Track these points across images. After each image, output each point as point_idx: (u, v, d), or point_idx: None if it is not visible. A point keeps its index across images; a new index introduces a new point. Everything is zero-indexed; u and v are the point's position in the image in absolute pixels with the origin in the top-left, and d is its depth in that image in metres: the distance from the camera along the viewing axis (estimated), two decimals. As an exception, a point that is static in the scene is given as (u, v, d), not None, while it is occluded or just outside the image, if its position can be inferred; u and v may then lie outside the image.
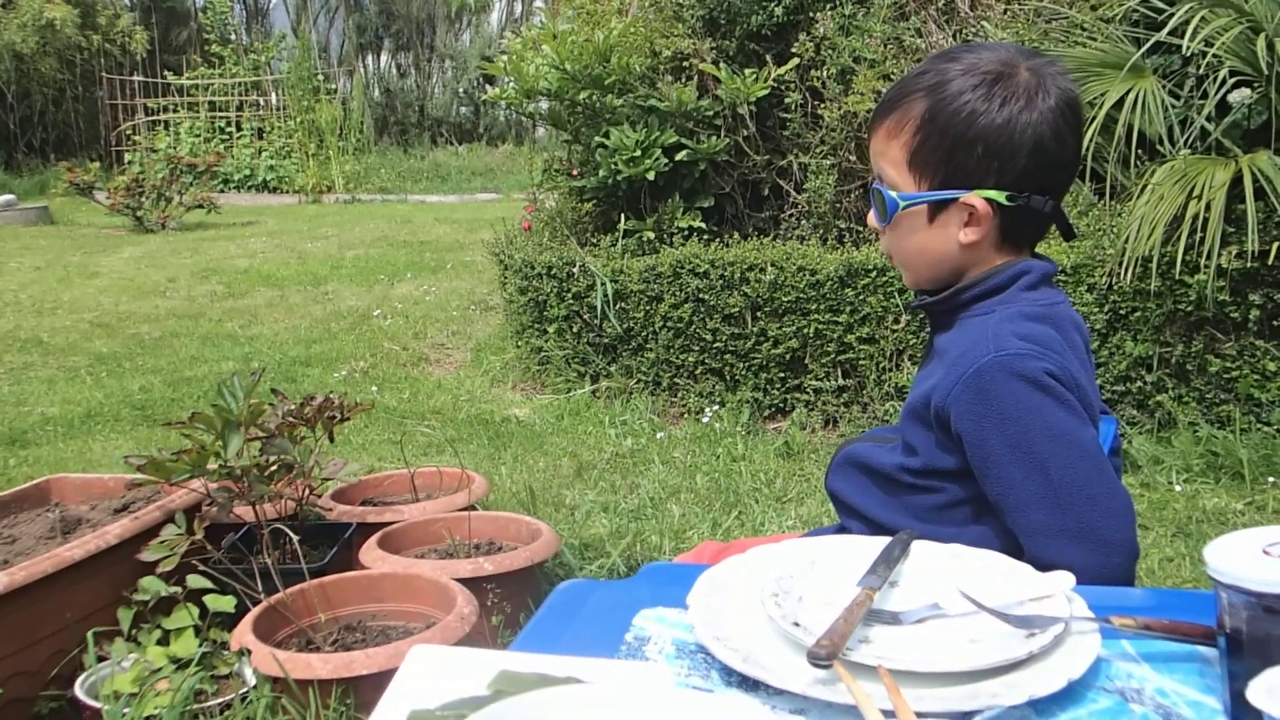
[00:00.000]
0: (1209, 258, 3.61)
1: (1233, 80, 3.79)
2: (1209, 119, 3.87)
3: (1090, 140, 3.98)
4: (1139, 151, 4.02)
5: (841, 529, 1.53)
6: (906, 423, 1.43)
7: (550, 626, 1.09)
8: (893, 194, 1.42)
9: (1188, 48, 3.82)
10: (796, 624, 0.98)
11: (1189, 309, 3.80)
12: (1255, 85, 3.76)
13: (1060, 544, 1.26)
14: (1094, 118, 4.01)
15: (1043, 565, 1.15)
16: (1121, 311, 3.91)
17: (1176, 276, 3.74)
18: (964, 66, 1.39)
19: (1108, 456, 1.35)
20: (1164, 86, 4.03)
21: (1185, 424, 3.87)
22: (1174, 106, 4.00)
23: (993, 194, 1.37)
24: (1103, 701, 0.91)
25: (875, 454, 1.48)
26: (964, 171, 1.38)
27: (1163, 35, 3.96)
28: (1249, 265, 3.66)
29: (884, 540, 1.16)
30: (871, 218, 1.49)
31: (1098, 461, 1.29)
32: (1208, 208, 3.60)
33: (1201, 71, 3.90)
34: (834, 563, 1.12)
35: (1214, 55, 3.76)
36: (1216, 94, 3.81)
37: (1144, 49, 4.05)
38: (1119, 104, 4.01)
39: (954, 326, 1.43)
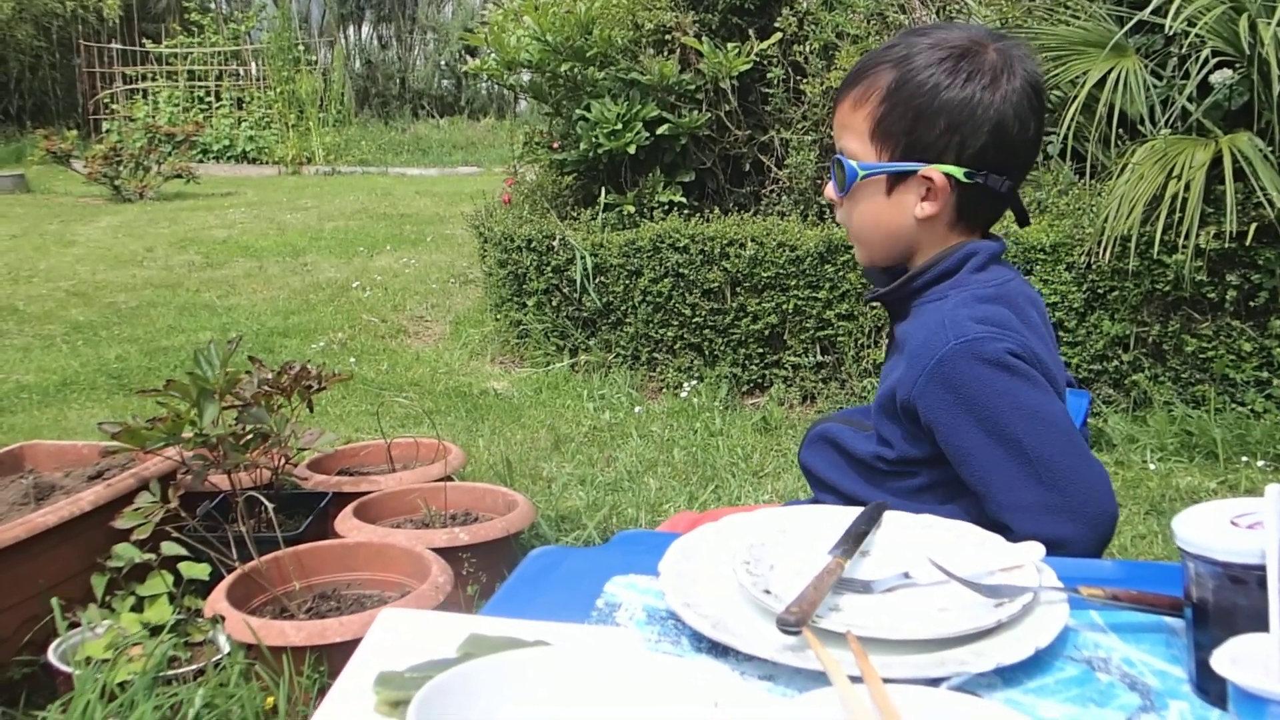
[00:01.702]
0: (1187, 238, 3.62)
1: (1215, 61, 3.80)
2: (1190, 99, 3.88)
3: (1071, 119, 3.99)
4: (1120, 131, 4.03)
5: (815, 502, 1.54)
6: (877, 417, 1.43)
7: (522, 592, 1.09)
8: (853, 163, 1.43)
9: (1170, 27, 3.82)
10: (767, 591, 0.98)
11: (1166, 289, 3.82)
12: (1237, 66, 3.77)
13: (1050, 520, 1.26)
14: (1075, 96, 4.01)
15: (1019, 526, 1.16)
16: (1099, 291, 3.93)
17: (1155, 256, 3.76)
18: (932, 41, 1.40)
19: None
20: (1146, 66, 4.04)
21: (1160, 403, 3.89)
22: (1155, 86, 4.01)
23: (952, 169, 1.38)
24: (1070, 670, 0.91)
25: (851, 439, 1.49)
26: (925, 145, 1.39)
27: (1145, 14, 3.96)
28: (1227, 246, 3.68)
29: (856, 510, 1.16)
30: (829, 189, 1.50)
31: (1072, 436, 1.30)
32: (1187, 188, 3.62)
33: (1184, 51, 3.91)
34: (805, 531, 1.12)
35: (1196, 35, 3.76)
36: (1198, 74, 3.82)
37: (1126, 28, 4.05)
38: (1100, 83, 4.01)
39: (910, 315, 1.43)
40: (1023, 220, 1.54)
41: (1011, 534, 1.20)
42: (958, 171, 1.38)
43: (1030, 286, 1.49)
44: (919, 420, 1.35)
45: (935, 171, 1.38)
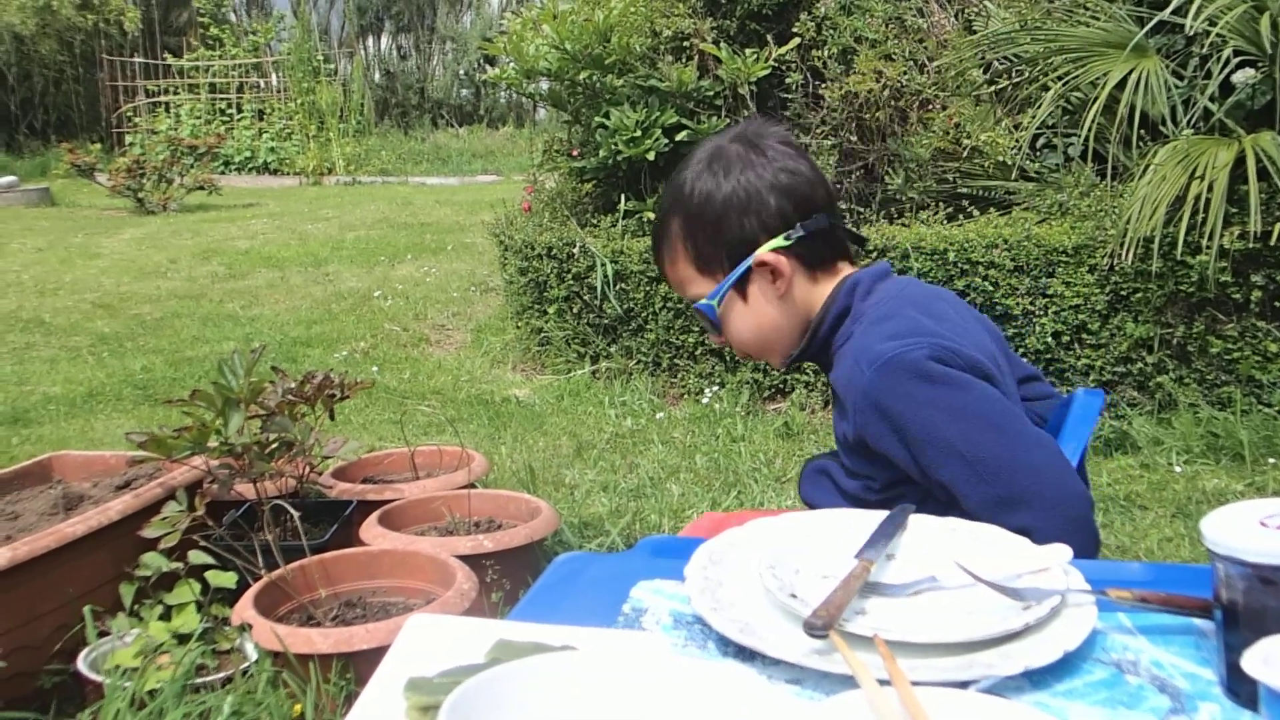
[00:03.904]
0: (1211, 238, 3.60)
1: (1236, 60, 3.77)
2: (1212, 99, 3.86)
3: (1092, 120, 3.97)
4: (1141, 132, 4.01)
5: None
6: (848, 459, 1.47)
7: (548, 597, 1.09)
8: (705, 303, 1.52)
9: (1191, 27, 3.80)
10: (793, 595, 0.98)
11: (1190, 290, 3.79)
12: (1259, 65, 3.75)
13: (1005, 513, 1.27)
14: (1096, 98, 3.99)
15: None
16: (1123, 292, 3.91)
17: (1178, 257, 3.73)
18: (688, 170, 1.52)
19: (1088, 429, 1.36)
20: (1167, 66, 4.02)
21: (1186, 405, 3.86)
22: (1177, 87, 3.99)
23: (773, 243, 1.47)
24: (1098, 673, 0.91)
25: (840, 475, 1.52)
26: (737, 243, 1.49)
27: (1166, 14, 3.94)
28: (1251, 246, 3.65)
29: (881, 514, 1.16)
30: (712, 339, 1.63)
31: (1003, 425, 1.31)
32: (1210, 188, 3.59)
33: (1205, 51, 3.88)
34: (831, 536, 1.12)
35: (1218, 35, 3.74)
36: (1220, 74, 3.79)
37: (1147, 28, 4.03)
38: (1121, 84, 3.99)
39: (835, 364, 1.48)
40: (859, 243, 1.63)
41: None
42: (779, 241, 1.47)
43: (936, 287, 1.56)
44: (876, 454, 1.38)
45: (763, 254, 1.47)
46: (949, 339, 1.34)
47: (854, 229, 1.61)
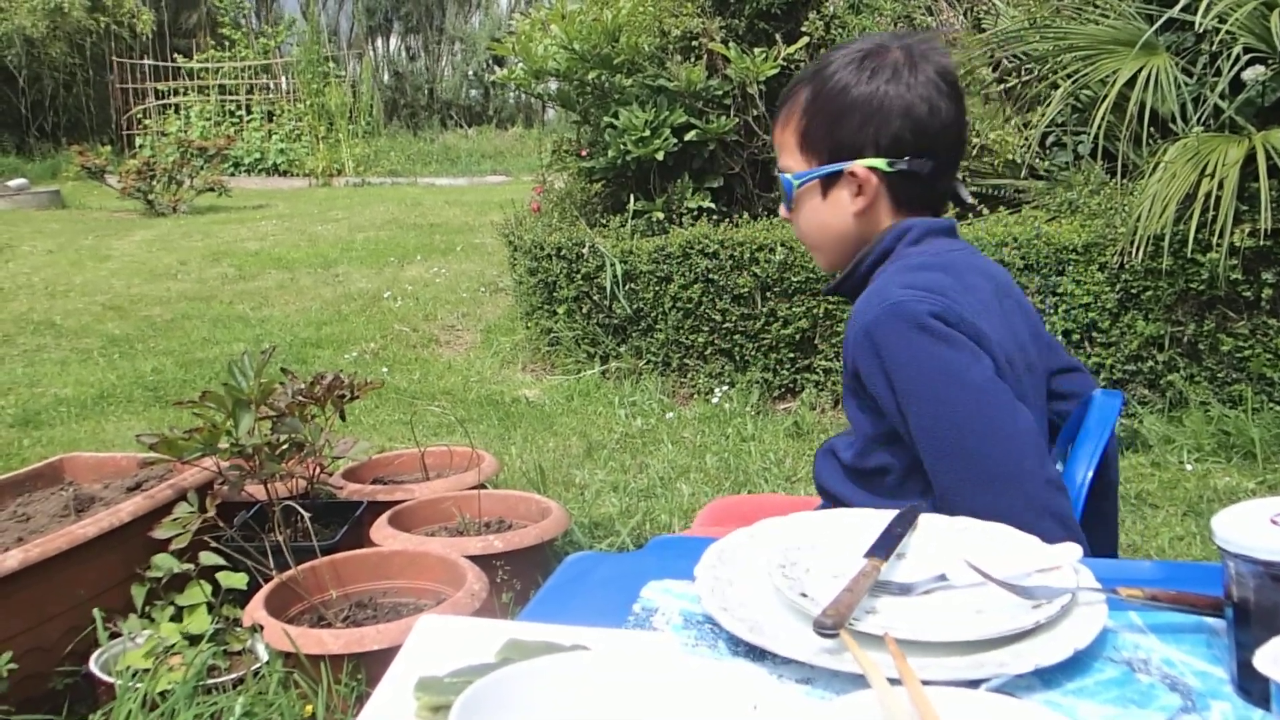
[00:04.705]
0: (1221, 236, 3.59)
1: (1246, 57, 3.77)
2: (1222, 96, 3.84)
3: (1102, 118, 3.96)
4: (1151, 129, 4.00)
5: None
6: (846, 403, 1.46)
7: (558, 597, 1.09)
8: (788, 176, 1.52)
9: (1201, 24, 3.79)
10: (804, 594, 0.98)
11: (1201, 288, 3.78)
12: (1269, 62, 3.74)
13: (970, 488, 1.28)
14: (1105, 95, 3.99)
15: (953, 506, 1.23)
16: (1133, 290, 3.90)
17: (1188, 255, 3.72)
18: (843, 52, 1.50)
19: (1106, 430, 1.35)
20: (1177, 64, 4.01)
21: (1197, 403, 3.85)
22: (1187, 84, 3.98)
23: (873, 161, 1.46)
24: (1109, 671, 0.91)
25: (843, 447, 1.51)
26: (845, 144, 1.47)
27: (1175, 12, 3.93)
28: (1261, 244, 3.64)
29: (890, 513, 1.16)
30: (781, 209, 1.58)
31: (986, 397, 1.30)
32: (1220, 186, 3.58)
33: (1215, 48, 3.87)
34: (841, 534, 1.12)
35: (1227, 32, 3.73)
36: (1230, 71, 3.78)
37: (1156, 26, 4.02)
38: (1131, 82, 3.98)
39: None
40: (959, 202, 1.59)
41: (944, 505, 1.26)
42: (879, 162, 1.46)
43: (988, 261, 1.54)
44: (867, 388, 1.38)
45: (858, 166, 1.46)
46: (960, 305, 1.34)
47: (962, 188, 1.58)
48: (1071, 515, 1.30)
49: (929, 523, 1.16)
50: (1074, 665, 0.90)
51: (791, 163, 1.53)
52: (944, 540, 1.13)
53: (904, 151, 1.45)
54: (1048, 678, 0.89)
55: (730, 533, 1.15)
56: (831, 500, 1.54)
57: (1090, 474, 1.44)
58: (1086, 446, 1.47)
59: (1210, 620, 0.97)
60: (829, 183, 1.50)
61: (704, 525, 1.92)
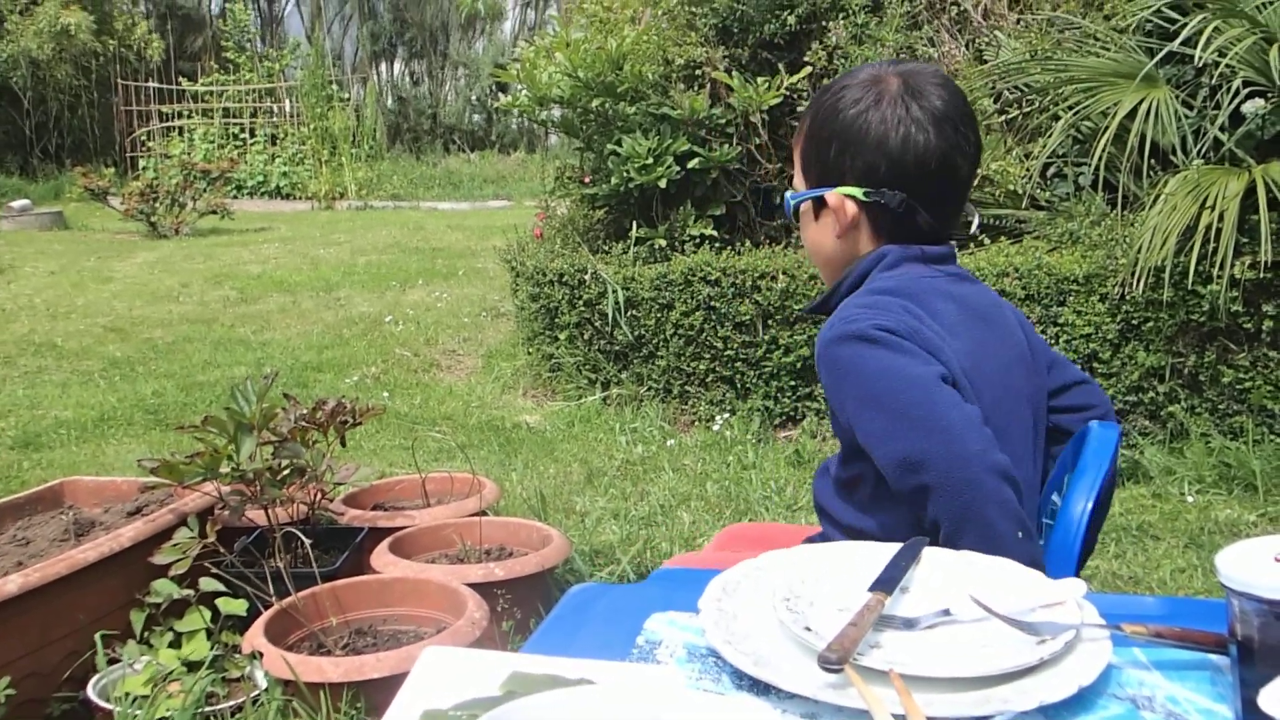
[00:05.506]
0: (1222, 268, 3.60)
1: (1246, 91, 3.79)
2: (1222, 129, 3.86)
3: (1102, 150, 3.98)
4: (1151, 161, 4.02)
5: (824, 536, 1.55)
6: (830, 416, 1.50)
7: (562, 629, 1.09)
8: (790, 193, 1.55)
9: (1201, 58, 3.81)
10: (808, 628, 0.98)
11: (1202, 319, 3.79)
12: (1269, 96, 3.76)
13: (908, 471, 1.27)
14: (1106, 127, 4.01)
15: (909, 498, 1.25)
16: (1134, 322, 3.91)
17: (1189, 287, 3.73)
18: (849, 77, 1.50)
19: (1105, 462, 1.36)
20: (1177, 97, 4.03)
21: (1198, 435, 3.85)
22: (1187, 117, 4.00)
23: (850, 190, 1.46)
24: (1114, 708, 0.91)
25: (833, 463, 1.53)
26: (829, 169, 1.49)
27: (1176, 45, 3.96)
28: (1262, 276, 3.65)
29: (894, 547, 1.16)
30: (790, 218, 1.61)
31: (929, 386, 1.30)
32: (1221, 218, 3.60)
33: (1215, 82, 3.90)
34: (845, 568, 1.12)
35: (1227, 66, 3.76)
36: (1230, 104, 3.80)
37: (1157, 59, 4.05)
38: (1132, 114, 4.00)
39: None
40: (961, 235, 1.59)
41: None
42: (855, 191, 1.46)
43: (977, 288, 1.54)
44: (830, 403, 1.41)
45: (832, 194, 1.47)
46: (912, 322, 1.35)
47: (965, 222, 1.58)
48: (1020, 508, 1.28)
49: (933, 556, 1.16)
50: (1078, 702, 0.90)
51: (796, 179, 1.56)
52: (948, 574, 1.13)
53: (879, 182, 1.45)
54: (1052, 714, 0.89)
55: (735, 562, 1.15)
56: (823, 515, 1.55)
57: (1090, 505, 1.44)
58: (1086, 478, 1.47)
59: (1214, 657, 0.97)
60: (819, 205, 1.52)
61: (719, 549, 1.93)
